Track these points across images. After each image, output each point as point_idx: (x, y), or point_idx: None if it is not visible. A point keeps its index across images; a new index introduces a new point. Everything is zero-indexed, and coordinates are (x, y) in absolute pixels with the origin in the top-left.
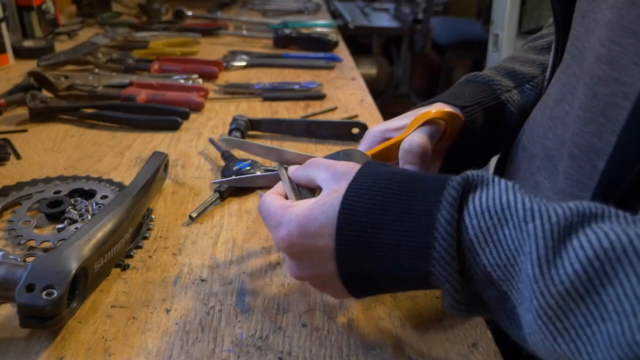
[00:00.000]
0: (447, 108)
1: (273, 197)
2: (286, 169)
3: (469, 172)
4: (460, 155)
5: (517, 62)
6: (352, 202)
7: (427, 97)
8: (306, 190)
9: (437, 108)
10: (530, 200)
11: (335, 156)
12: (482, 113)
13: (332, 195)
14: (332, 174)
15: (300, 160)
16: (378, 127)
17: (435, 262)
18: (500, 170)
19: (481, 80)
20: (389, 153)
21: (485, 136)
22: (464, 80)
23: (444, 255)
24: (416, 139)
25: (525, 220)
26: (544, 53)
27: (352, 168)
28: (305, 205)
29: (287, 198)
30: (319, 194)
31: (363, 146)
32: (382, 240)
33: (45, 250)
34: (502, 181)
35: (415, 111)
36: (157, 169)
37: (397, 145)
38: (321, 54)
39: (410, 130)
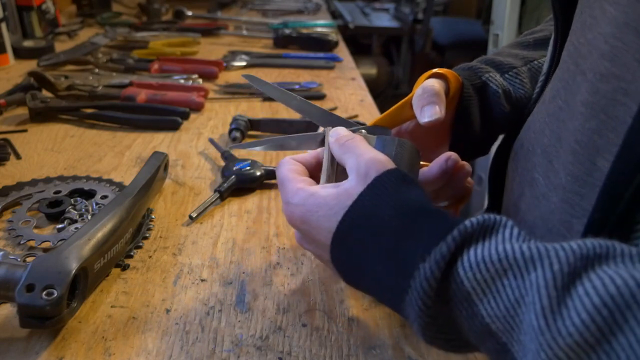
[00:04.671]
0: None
1: (290, 169)
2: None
3: (468, 222)
4: (464, 134)
5: (499, 55)
6: (351, 221)
7: None
8: (342, 167)
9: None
10: (529, 248)
11: (383, 142)
12: (471, 88)
13: (341, 198)
14: (357, 167)
15: (348, 126)
16: None
17: (406, 305)
18: (500, 170)
19: (463, 67)
20: (402, 111)
21: (480, 114)
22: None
23: (413, 305)
24: (427, 83)
25: (527, 270)
26: (529, 49)
27: (375, 169)
28: (315, 198)
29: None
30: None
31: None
32: (369, 267)
33: (45, 250)
34: (508, 230)
35: None
36: (157, 169)
37: (408, 103)
38: (321, 54)
39: (417, 85)
